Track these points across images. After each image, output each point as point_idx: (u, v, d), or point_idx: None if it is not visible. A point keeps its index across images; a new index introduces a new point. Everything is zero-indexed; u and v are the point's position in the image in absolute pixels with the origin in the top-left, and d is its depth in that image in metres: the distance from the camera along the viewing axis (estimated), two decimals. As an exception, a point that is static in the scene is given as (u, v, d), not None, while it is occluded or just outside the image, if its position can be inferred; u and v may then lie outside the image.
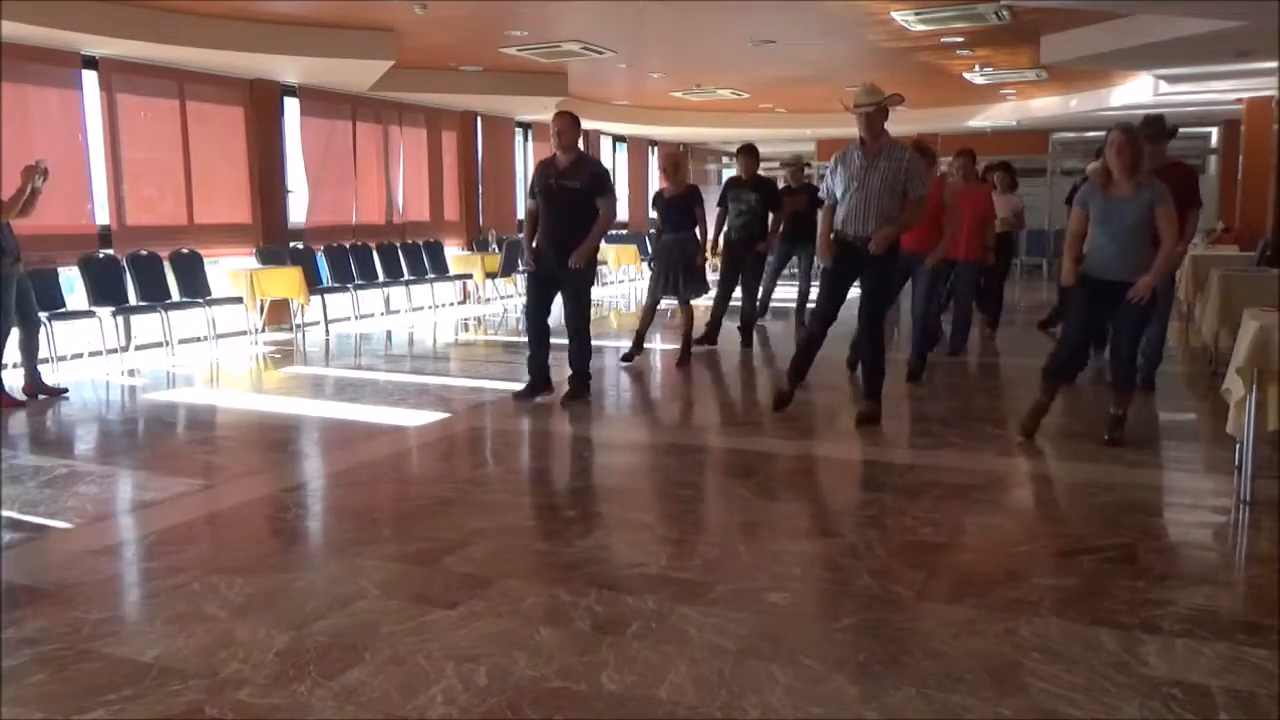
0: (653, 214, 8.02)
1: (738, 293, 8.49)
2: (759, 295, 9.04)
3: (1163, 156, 5.76)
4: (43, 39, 7.77)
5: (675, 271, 7.44)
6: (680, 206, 7.50)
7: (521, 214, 14.74)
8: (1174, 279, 6.71)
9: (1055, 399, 5.28)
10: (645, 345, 7.75)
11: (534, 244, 6.17)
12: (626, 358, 7.67)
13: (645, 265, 7.92)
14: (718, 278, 8.44)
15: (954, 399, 6.47)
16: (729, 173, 8.52)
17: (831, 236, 5.57)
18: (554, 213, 6.07)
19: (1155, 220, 4.80)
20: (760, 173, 8.54)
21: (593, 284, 6.48)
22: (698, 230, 7.58)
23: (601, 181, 6.16)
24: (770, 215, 8.33)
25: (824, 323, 5.68)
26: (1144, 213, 4.79)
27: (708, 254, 7.89)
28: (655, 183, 17.35)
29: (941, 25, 8.84)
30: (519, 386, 6.41)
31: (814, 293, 9.97)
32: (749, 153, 8.33)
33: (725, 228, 8.37)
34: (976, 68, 11.53)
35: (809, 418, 6.00)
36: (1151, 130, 5.70)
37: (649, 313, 7.66)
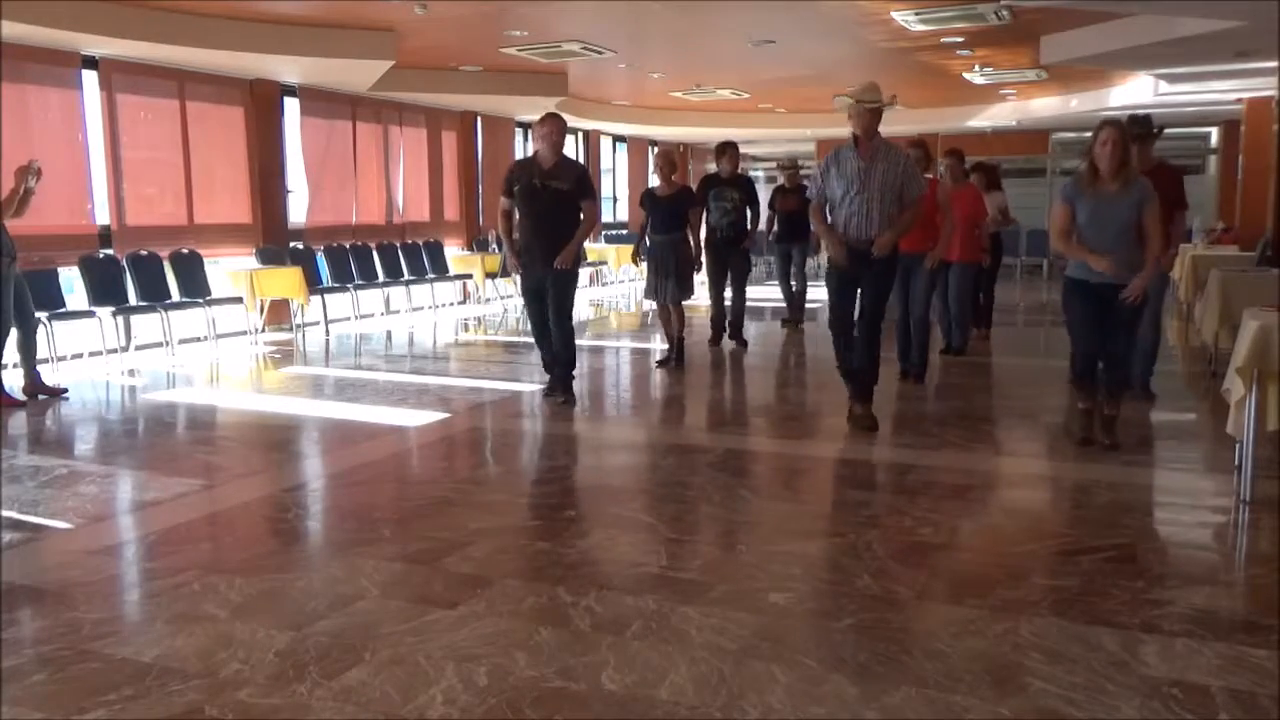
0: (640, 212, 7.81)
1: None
2: (780, 298, 9.06)
3: (1149, 157, 5.72)
4: (43, 39, 7.77)
5: (669, 272, 7.35)
6: (675, 207, 7.43)
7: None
8: (1167, 280, 6.68)
9: (1096, 400, 5.10)
10: (644, 345, 7.71)
11: (515, 245, 6.13)
12: (663, 363, 7.53)
13: (643, 265, 7.70)
14: (705, 278, 8.37)
15: (954, 399, 6.47)
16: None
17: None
18: (540, 214, 6.00)
19: (1142, 220, 4.75)
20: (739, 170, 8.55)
21: (577, 282, 6.43)
22: (689, 232, 7.50)
23: (588, 183, 6.14)
24: (750, 212, 8.32)
25: (845, 325, 5.54)
26: (1132, 212, 4.74)
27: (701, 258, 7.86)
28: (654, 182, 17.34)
29: (941, 25, 8.84)
30: (520, 387, 6.42)
31: (810, 292, 10.11)
32: (733, 150, 8.32)
33: (712, 227, 8.34)
34: (976, 68, 11.53)
35: (808, 418, 6.00)
36: (1139, 130, 5.64)
37: (668, 314, 7.51)
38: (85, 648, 2.82)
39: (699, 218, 7.78)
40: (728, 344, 8.50)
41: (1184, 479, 4.67)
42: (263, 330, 9.72)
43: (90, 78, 8.59)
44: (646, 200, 7.61)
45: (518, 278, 6.43)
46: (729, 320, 8.56)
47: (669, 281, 7.37)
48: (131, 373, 7.86)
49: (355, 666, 2.69)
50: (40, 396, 6.58)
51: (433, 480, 4.83)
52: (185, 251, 9.06)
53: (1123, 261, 4.76)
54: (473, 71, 11.24)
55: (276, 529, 4.10)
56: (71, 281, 8.22)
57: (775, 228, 9.63)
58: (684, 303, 7.55)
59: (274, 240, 10.26)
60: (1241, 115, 12.86)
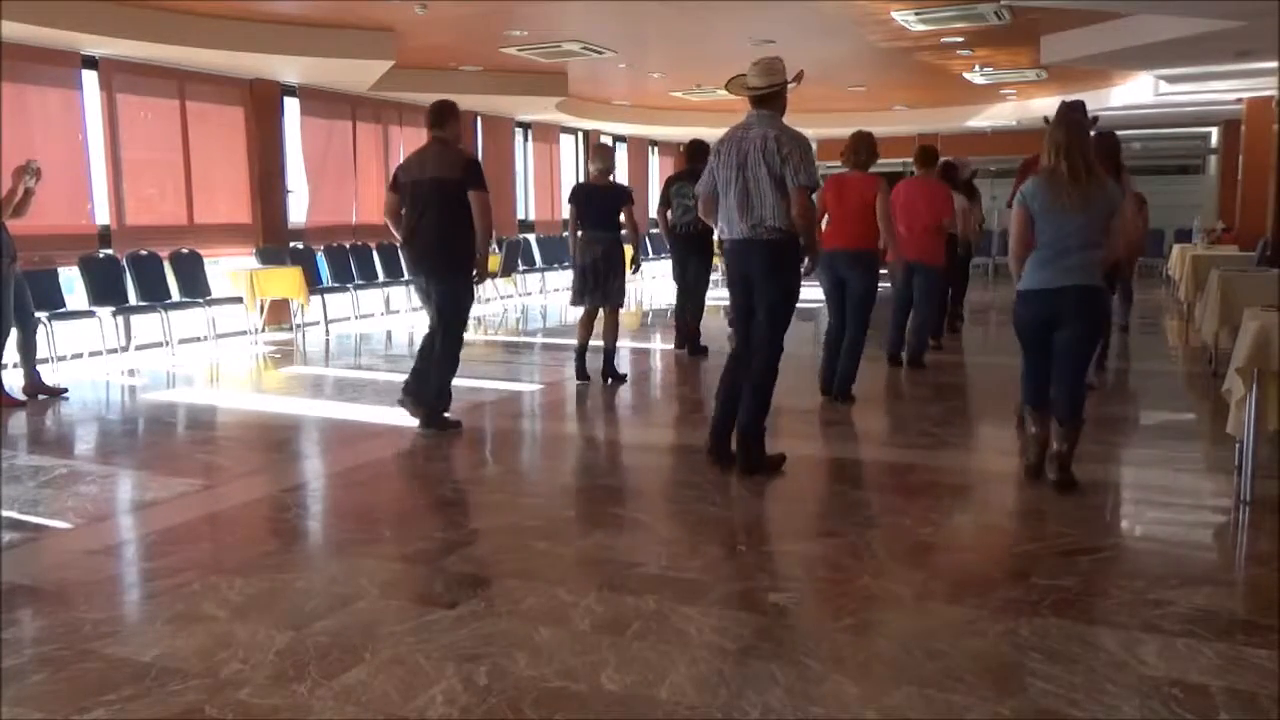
0: (569, 208, 6.97)
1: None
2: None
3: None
4: (43, 39, 7.77)
5: (609, 276, 6.77)
6: (610, 203, 6.83)
7: (521, 214, 14.76)
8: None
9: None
10: (644, 345, 7.66)
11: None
12: (604, 375, 6.93)
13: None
14: (691, 279, 8.02)
15: (952, 399, 6.47)
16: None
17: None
18: None
19: None
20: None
21: None
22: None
23: None
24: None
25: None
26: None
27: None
28: (657, 183, 17.32)
29: (941, 25, 8.85)
30: (520, 386, 6.42)
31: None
32: None
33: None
34: (976, 68, 11.53)
35: (806, 418, 5.99)
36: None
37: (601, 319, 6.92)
38: (85, 648, 2.82)
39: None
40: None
41: (1184, 479, 4.66)
42: (263, 330, 9.72)
43: (90, 78, 8.59)
44: (593, 196, 6.88)
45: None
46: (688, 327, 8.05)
47: (610, 283, 6.78)
48: (131, 373, 7.86)
49: (355, 666, 2.69)
50: (40, 396, 6.57)
51: (432, 480, 4.83)
52: (185, 251, 9.06)
53: None
54: (473, 71, 11.24)
55: (276, 529, 4.10)
56: (71, 281, 8.23)
57: None
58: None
59: (274, 240, 10.26)
60: (1241, 115, 12.87)
